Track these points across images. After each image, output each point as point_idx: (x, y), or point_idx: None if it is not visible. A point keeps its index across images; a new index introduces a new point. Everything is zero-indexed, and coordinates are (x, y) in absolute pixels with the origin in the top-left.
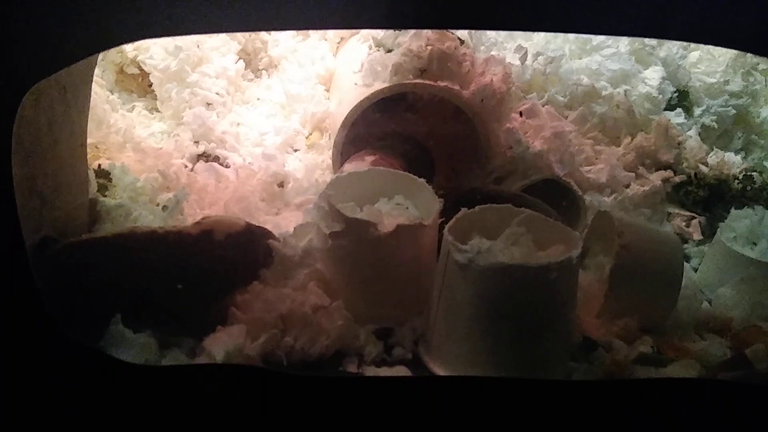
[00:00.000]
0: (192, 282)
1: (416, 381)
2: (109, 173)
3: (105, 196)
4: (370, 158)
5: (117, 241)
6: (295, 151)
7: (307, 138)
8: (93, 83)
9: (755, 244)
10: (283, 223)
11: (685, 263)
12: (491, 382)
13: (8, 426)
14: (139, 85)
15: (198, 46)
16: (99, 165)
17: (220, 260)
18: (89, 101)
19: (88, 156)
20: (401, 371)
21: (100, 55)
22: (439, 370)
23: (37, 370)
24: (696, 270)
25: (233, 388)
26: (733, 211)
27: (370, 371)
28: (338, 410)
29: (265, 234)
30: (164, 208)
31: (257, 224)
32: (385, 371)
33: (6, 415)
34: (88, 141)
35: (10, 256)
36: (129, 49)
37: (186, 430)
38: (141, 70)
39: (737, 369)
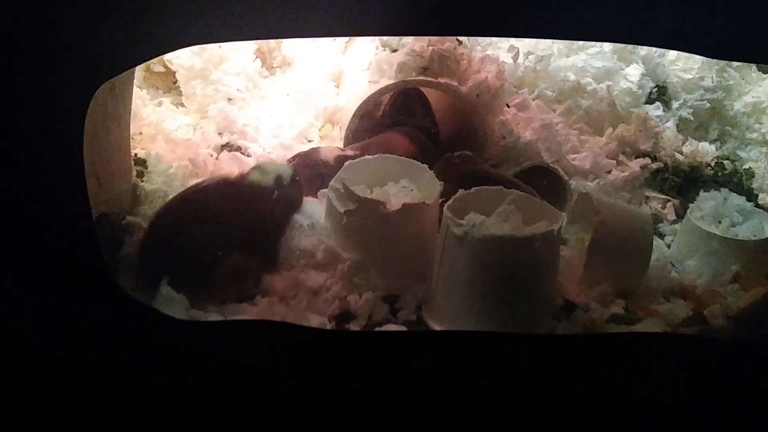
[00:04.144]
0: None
1: (417, 336)
2: (145, 161)
3: (143, 181)
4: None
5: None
6: (309, 141)
7: (319, 130)
8: None
9: (720, 222)
10: None
11: (658, 239)
12: (484, 337)
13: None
14: (164, 82)
15: (220, 47)
16: (135, 154)
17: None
18: (132, 96)
19: None
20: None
21: None
22: (438, 328)
23: (96, 321)
24: (669, 246)
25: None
26: (701, 193)
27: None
28: (348, 362)
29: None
30: None
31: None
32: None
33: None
34: None
35: (80, 229)
36: None
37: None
38: (167, 68)
39: (695, 325)
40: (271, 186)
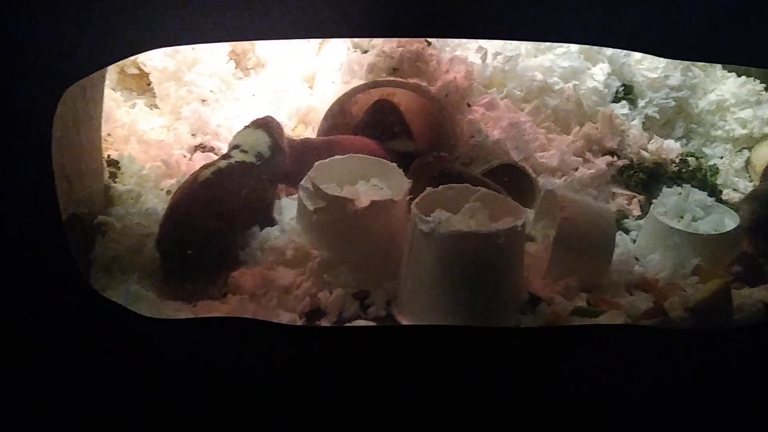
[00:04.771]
0: None
1: (386, 331)
2: (118, 162)
3: (115, 182)
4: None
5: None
6: None
7: (293, 130)
8: None
9: (682, 217)
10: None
11: (623, 234)
12: (451, 330)
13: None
14: (138, 84)
15: (193, 48)
16: (108, 155)
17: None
18: (103, 98)
19: None
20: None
21: None
22: (407, 323)
23: (67, 320)
24: (634, 241)
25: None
26: (664, 189)
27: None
28: (318, 357)
29: None
30: (168, 192)
31: None
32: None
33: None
34: None
35: (49, 229)
36: None
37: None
38: (140, 70)
39: (655, 317)
40: (255, 163)
